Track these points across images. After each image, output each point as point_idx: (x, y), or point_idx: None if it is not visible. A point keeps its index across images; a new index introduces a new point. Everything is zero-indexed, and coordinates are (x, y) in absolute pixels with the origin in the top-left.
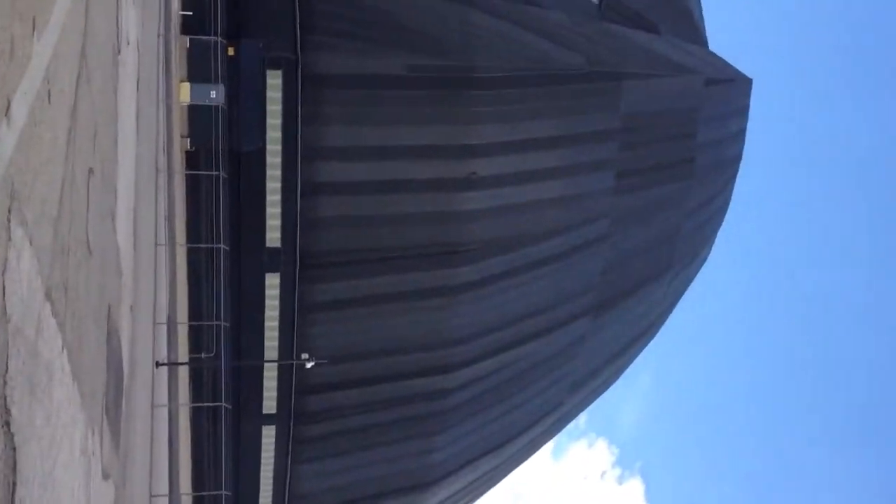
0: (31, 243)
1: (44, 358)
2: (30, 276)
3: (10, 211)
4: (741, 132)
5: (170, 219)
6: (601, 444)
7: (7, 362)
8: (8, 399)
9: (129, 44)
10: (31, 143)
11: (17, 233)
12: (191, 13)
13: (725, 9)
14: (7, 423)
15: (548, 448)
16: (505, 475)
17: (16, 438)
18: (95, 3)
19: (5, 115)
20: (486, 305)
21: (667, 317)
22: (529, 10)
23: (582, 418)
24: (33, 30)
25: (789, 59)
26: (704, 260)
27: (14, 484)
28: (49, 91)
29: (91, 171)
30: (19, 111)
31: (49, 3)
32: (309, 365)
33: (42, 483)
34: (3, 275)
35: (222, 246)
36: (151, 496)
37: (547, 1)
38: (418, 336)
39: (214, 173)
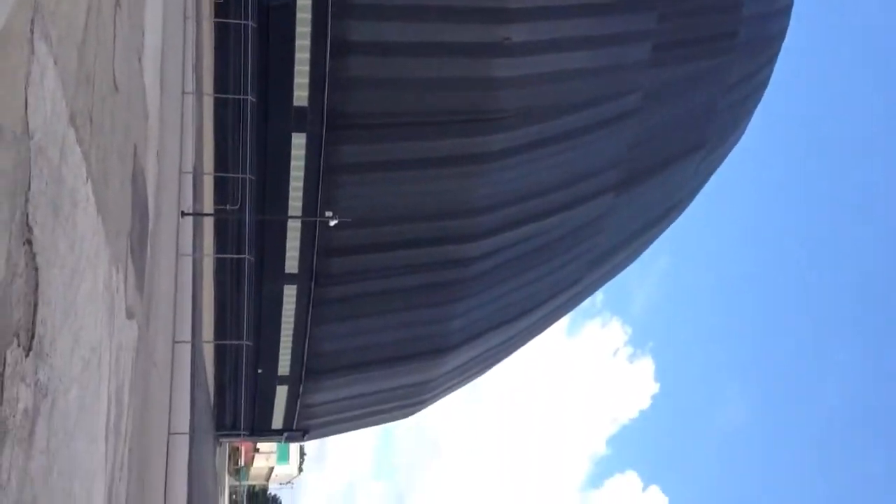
0: (55, 62)
1: (68, 184)
2: (54, 96)
3: (33, 22)
4: (787, 7)
5: (197, 68)
6: (615, 324)
7: (29, 181)
8: (30, 217)
9: None
10: None
11: (41, 48)
12: None
13: None
14: (29, 242)
15: (563, 324)
16: (520, 346)
17: (38, 259)
18: None
19: None
20: (512, 175)
21: (693, 197)
22: None
23: (598, 296)
24: None
25: None
26: (738, 139)
27: (35, 304)
28: None
29: (118, 3)
30: None
31: None
32: (332, 223)
33: (64, 310)
34: (26, 89)
35: (249, 97)
36: (175, 341)
37: None
38: (443, 203)
39: (244, 22)
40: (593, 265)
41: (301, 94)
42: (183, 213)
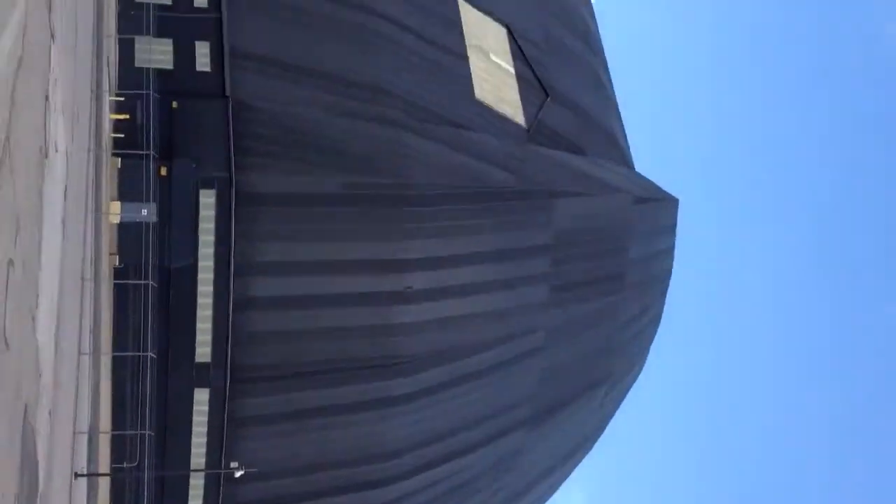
0: None
1: None
2: None
3: None
4: (670, 249)
5: (95, 328)
6: None
7: None
8: None
9: (57, 151)
10: None
11: None
12: (122, 135)
13: (651, 132)
14: None
15: None
16: None
17: None
18: (22, 99)
19: None
20: (421, 418)
21: (603, 429)
22: (460, 132)
23: None
24: None
25: (714, 181)
26: (639, 372)
27: None
28: None
29: (11, 262)
30: None
31: None
32: (238, 474)
33: None
34: None
35: (150, 354)
36: None
37: (477, 125)
38: (353, 450)
39: (143, 282)
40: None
41: (203, 351)
42: (76, 475)
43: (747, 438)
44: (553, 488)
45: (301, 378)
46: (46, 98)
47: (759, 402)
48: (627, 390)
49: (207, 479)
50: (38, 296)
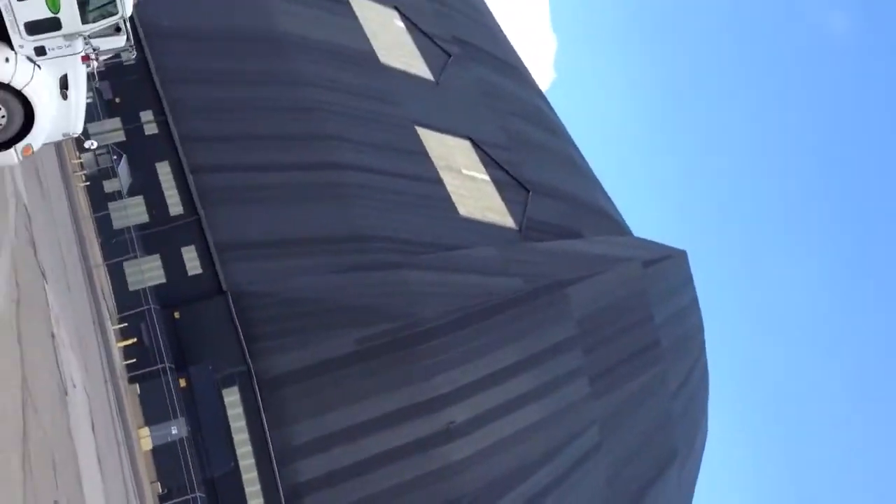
0: None
1: None
2: None
3: None
4: (693, 301)
5: None
6: None
7: None
8: None
9: (75, 386)
10: None
11: None
12: (134, 360)
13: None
14: None
15: None
16: None
17: None
18: (29, 339)
19: None
20: None
21: None
22: (455, 254)
23: None
24: None
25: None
26: (705, 436)
27: None
28: None
29: (56, 503)
30: None
31: None
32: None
33: None
34: None
35: None
36: None
37: (470, 241)
38: None
39: (191, 496)
40: None
41: None
42: None
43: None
44: None
45: None
46: (52, 336)
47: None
48: (700, 459)
49: None
50: None
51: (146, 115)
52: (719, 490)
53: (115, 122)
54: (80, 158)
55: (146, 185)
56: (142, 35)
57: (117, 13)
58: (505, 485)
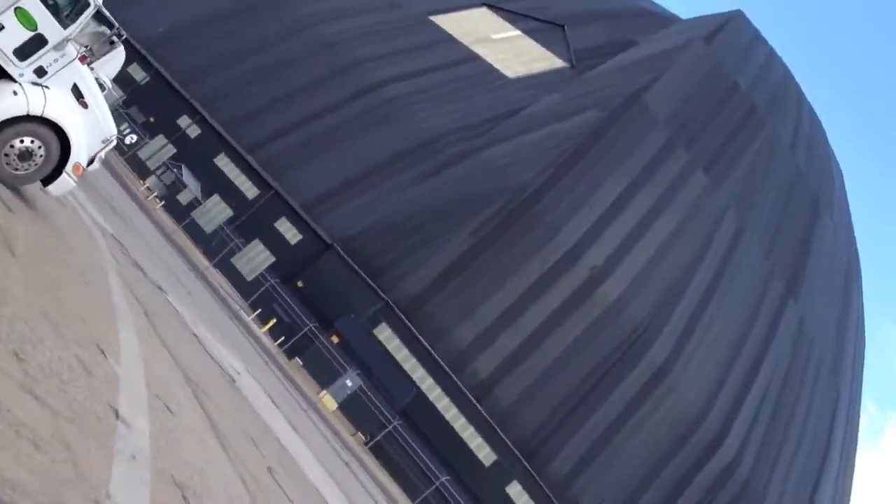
0: None
1: None
2: None
3: (185, 499)
4: (770, 54)
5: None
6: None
7: None
8: None
9: (238, 373)
10: (172, 443)
11: None
12: (282, 338)
13: None
14: None
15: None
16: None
17: None
18: (171, 341)
19: (117, 418)
20: (697, 366)
21: (855, 245)
22: (522, 115)
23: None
24: (105, 355)
25: None
26: (841, 174)
27: None
28: (165, 405)
29: (270, 468)
30: (136, 419)
31: (111, 334)
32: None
33: None
34: None
35: (442, 479)
36: None
37: (533, 97)
38: (669, 437)
39: (390, 426)
40: (835, 373)
41: (486, 453)
42: None
43: None
44: (858, 341)
45: (575, 412)
46: (195, 336)
47: None
48: (845, 198)
49: None
50: (318, 492)
51: (184, 121)
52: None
53: (160, 140)
54: (145, 185)
55: (216, 183)
56: (144, 52)
57: (90, 3)
58: (669, 301)
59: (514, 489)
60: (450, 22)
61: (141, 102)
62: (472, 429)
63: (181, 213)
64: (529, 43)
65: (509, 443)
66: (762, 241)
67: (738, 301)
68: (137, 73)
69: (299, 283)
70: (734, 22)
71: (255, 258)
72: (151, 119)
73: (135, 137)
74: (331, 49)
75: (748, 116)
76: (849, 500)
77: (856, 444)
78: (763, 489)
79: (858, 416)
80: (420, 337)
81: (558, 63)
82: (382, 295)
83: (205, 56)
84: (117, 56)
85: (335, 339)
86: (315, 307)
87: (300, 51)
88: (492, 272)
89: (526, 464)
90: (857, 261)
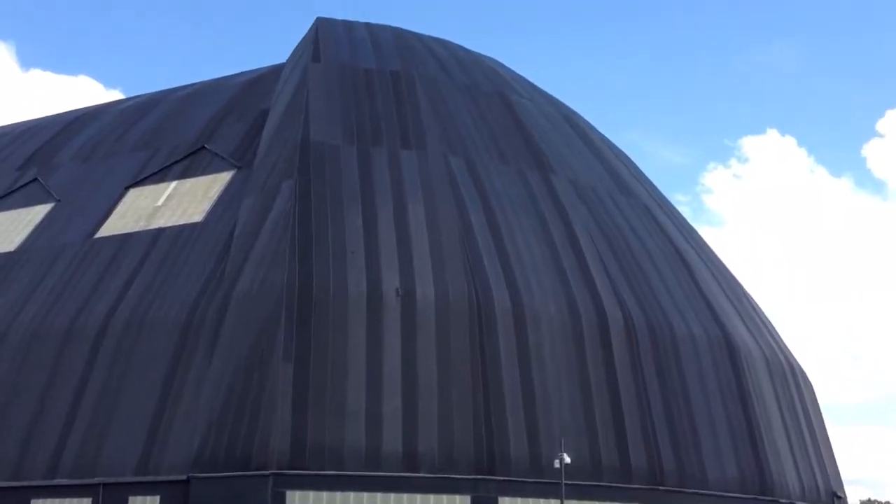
0: None
1: None
2: None
3: None
4: (369, 26)
5: None
6: None
7: None
8: None
9: None
10: None
11: None
12: None
13: None
14: None
15: None
16: None
17: None
18: None
19: None
20: None
21: None
22: (238, 236)
23: None
24: None
25: None
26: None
27: None
28: None
29: None
30: None
31: None
32: None
33: None
34: None
35: None
36: None
37: (231, 216)
38: None
39: None
40: (629, 195)
41: None
42: None
43: None
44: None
45: None
46: None
47: None
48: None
49: None
50: None
51: None
52: None
53: None
54: None
55: None
56: None
57: None
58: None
59: None
60: (113, 226)
61: None
62: None
63: None
64: (191, 182)
65: None
66: (491, 157)
67: (523, 216)
68: None
69: None
70: (322, 27)
71: None
72: None
73: None
74: None
75: (396, 81)
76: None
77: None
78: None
79: (675, 210)
80: (328, 471)
81: (227, 175)
82: (265, 473)
83: None
84: None
85: None
86: None
87: None
88: (328, 368)
89: None
90: (567, 108)
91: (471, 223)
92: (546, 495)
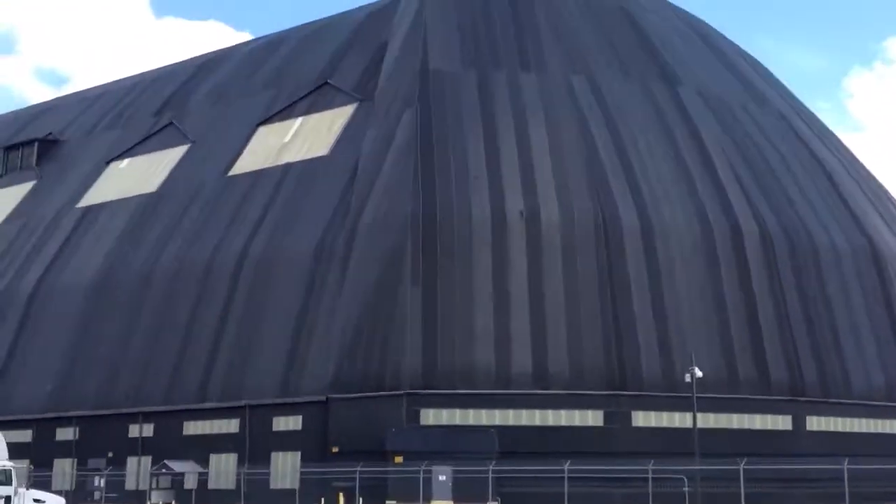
0: None
1: None
2: None
3: None
4: None
5: None
6: None
7: None
8: None
9: None
10: None
11: None
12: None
13: None
14: None
15: None
16: None
17: None
18: None
19: None
20: None
21: None
22: (362, 168)
23: None
24: None
25: None
26: None
27: None
28: None
29: None
30: None
31: None
32: None
33: None
34: None
35: None
36: None
37: (356, 150)
38: None
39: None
40: (764, 104)
41: None
42: None
43: None
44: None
45: None
46: None
47: None
48: None
49: None
50: None
51: (134, 430)
52: None
53: (133, 461)
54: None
55: (198, 450)
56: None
57: None
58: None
59: None
60: (245, 163)
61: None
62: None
63: (202, 496)
64: (316, 117)
65: None
66: (614, 73)
67: (649, 130)
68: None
69: (334, 449)
70: None
71: (284, 468)
72: (110, 454)
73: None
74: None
75: (513, 3)
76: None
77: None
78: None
79: (814, 116)
80: (459, 390)
81: (350, 108)
82: (398, 392)
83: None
84: None
85: (397, 460)
86: (358, 455)
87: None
88: (455, 291)
89: None
90: (695, 18)
91: (594, 141)
92: (680, 408)
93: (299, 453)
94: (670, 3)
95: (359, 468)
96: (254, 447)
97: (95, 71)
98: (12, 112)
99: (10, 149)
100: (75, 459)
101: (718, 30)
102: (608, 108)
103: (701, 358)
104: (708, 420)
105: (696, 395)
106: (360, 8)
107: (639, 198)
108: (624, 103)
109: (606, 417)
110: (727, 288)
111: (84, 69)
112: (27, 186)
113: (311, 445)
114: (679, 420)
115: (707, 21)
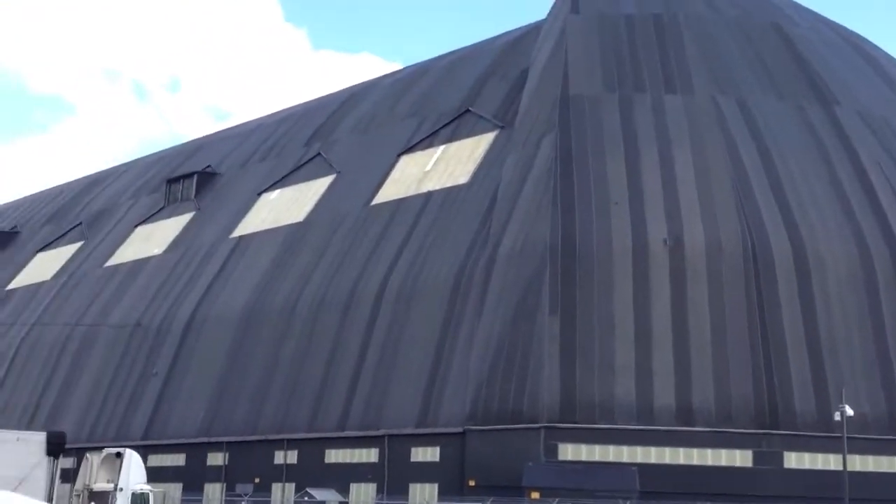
0: None
1: None
2: None
3: None
4: None
5: None
6: None
7: None
8: None
9: None
10: None
11: None
12: None
13: None
14: None
15: None
16: None
17: None
18: None
19: None
20: None
21: None
22: (502, 194)
23: None
24: None
25: None
26: None
27: None
28: None
29: None
30: None
31: None
32: None
33: None
34: None
35: None
36: None
37: (494, 178)
38: None
39: None
40: None
41: None
42: None
43: None
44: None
45: None
46: None
47: None
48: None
49: None
50: None
51: (279, 457)
52: None
53: (277, 487)
54: None
55: (334, 475)
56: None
57: None
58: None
59: None
60: (387, 192)
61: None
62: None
63: None
64: (457, 145)
65: None
66: (765, 94)
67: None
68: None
69: (471, 482)
70: None
71: (422, 500)
72: (257, 480)
73: None
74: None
75: (658, 24)
76: None
77: None
78: None
79: None
80: (598, 424)
81: (490, 136)
82: (536, 426)
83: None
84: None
85: (535, 496)
86: (494, 489)
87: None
88: (595, 322)
89: None
90: (853, 34)
91: (743, 165)
92: (836, 449)
93: (437, 485)
94: (825, 18)
95: (490, 502)
96: (392, 477)
97: (255, 104)
98: (176, 146)
99: (172, 181)
100: (224, 484)
101: (878, 45)
102: (759, 130)
103: (859, 394)
104: (867, 463)
105: (846, 434)
106: (502, 35)
107: (791, 223)
108: (775, 124)
109: (756, 458)
110: (888, 319)
111: (244, 104)
112: (187, 217)
113: (449, 477)
114: (835, 462)
115: (864, 35)
